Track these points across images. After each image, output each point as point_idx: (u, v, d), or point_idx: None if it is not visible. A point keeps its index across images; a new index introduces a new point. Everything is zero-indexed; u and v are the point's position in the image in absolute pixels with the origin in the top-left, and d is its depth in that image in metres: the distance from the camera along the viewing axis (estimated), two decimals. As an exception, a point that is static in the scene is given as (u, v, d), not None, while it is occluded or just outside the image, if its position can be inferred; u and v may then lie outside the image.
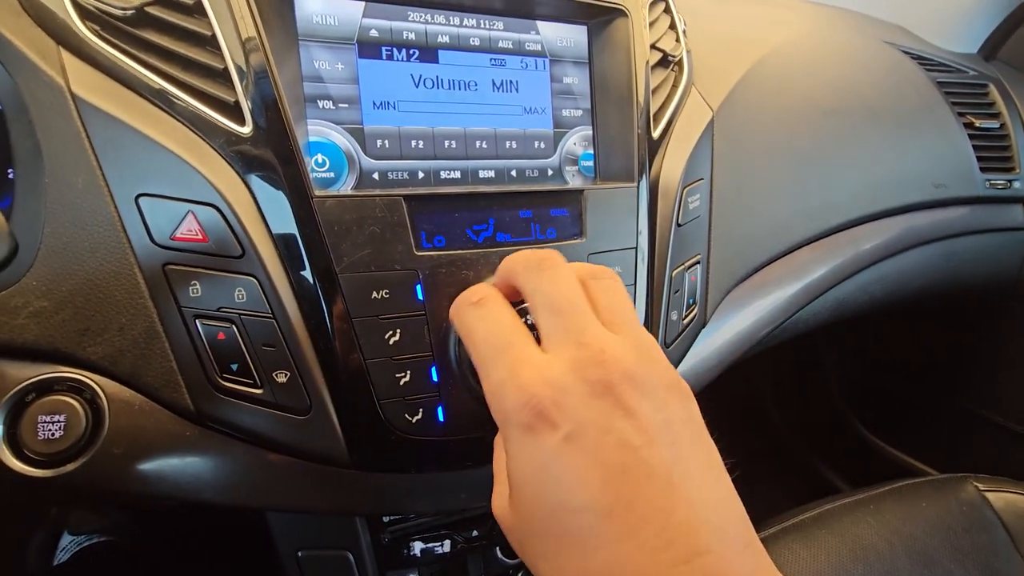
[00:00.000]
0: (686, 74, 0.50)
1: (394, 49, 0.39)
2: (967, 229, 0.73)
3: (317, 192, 0.34)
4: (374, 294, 0.34)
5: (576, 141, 0.45)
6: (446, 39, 0.40)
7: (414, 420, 0.35)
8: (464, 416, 0.36)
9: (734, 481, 0.26)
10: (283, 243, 0.33)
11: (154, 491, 0.33)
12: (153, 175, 0.32)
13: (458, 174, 0.41)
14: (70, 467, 0.31)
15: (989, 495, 0.57)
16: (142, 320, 0.32)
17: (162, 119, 0.33)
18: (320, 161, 0.37)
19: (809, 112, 0.62)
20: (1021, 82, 0.82)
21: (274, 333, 0.33)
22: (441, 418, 0.36)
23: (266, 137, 0.33)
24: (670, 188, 0.45)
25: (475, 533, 0.49)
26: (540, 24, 0.43)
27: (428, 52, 0.40)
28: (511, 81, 0.43)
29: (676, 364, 0.47)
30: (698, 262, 0.48)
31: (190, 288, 0.32)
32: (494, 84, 0.42)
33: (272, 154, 0.33)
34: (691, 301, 0.47)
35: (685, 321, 0.46)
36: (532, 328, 0.29)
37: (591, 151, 0.45)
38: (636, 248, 0.42)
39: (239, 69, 0.33)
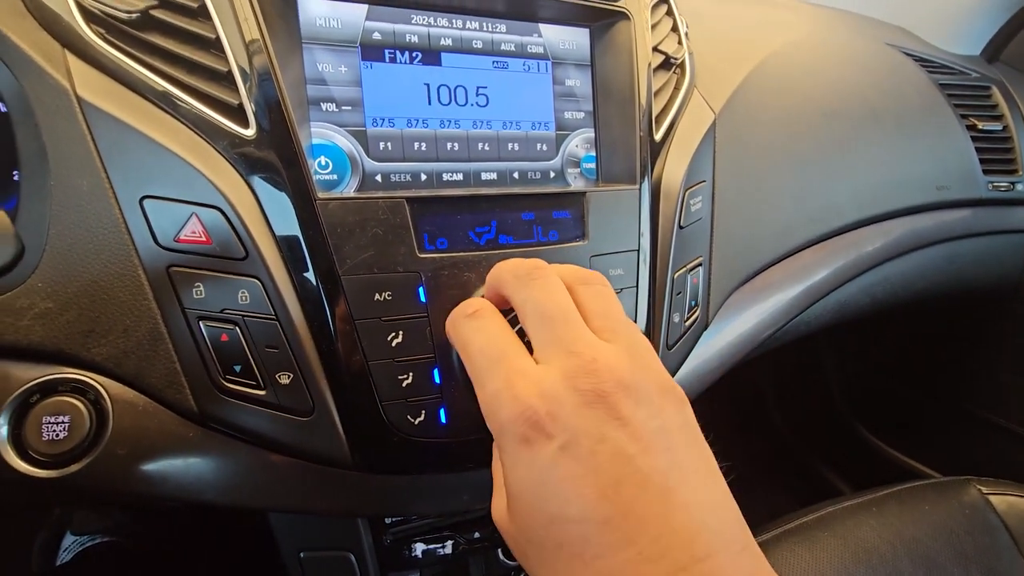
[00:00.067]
0: (688, 76, 0.50)
1: (397, 52, 0.39)
2: (969, 231, 0.73)
3: (320, 194, 0.34)
4: (377, 296, 0.34)
5: (578, 143, 0.45)
6: (449, 42, 0.41)
7: (416, 422, 0.36)
8: (466, 418, 0.36)
9: (730, 484, 0.26)
10: (286, 245, 0.33)
11: (157, 492, 0.33)
12: (157, 177, 0.32)
13: (460, 176, 0.41)
14: (74, 468, 0.31)
15: (992, 498, 0.57)
16: (146, 322, 0.32)
17: (166, 122, 0.33)
18: (323, 163, 0.37)
19: (811, 114, 0.62)
20: (1024, 84, 0.82)
21: (277, 335, 0.33)
22: (443, 420, 0.36)
23: (269, 140, 0.33)
24: (672, 190, 0.45)
25: (477, 535, 0.49)
26: (542, 27, 0.43)
27: (431, 55, 0.40)
28: (513, 83, 0.43)
29: (678, 366, 0.47)
30: (700, 264, 0.48)
31: (194, 290, 0.32)
32: (496, 86, 0.42)
33: (275, 156, 0.33)
34: (693, 303, 0.47)
35: (687, 323, 0.47)
36: (523, 336, 0.29)
37: (593, 153, 0.46)
38: (638, 250, 0.42)
39: (243, 72, 0.33)
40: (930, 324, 0.99)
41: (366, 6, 0.38)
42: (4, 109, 0.33)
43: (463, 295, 0.36)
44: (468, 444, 0.37)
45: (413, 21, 0.39)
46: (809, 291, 0.58)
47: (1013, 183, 0.75)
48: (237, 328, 0.33)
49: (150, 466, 0.33)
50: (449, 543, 0.48)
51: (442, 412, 0.36)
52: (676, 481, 0.24)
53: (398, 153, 0.39)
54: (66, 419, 0.31)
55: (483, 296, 0.33)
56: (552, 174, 0.44)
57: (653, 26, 0.47)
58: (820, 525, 0.53)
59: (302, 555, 0.45)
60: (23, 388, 0.31)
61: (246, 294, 0.33)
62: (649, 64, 0.45)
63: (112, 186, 0.32)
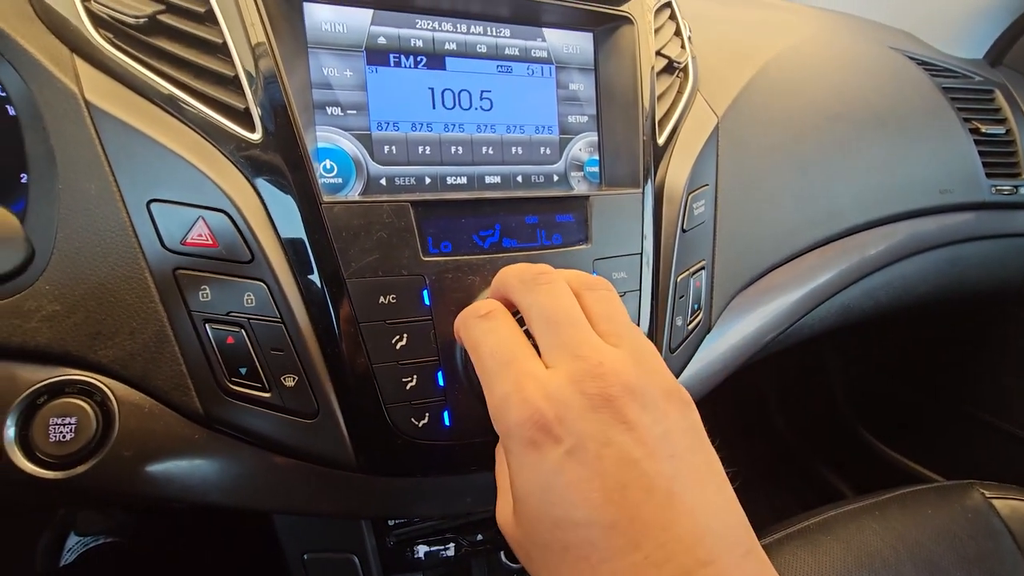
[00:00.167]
0: (691, 80, 0.50)
1: (402, 56, 0.39)
2: (973, 235, 0.73)
3: (325, 198, 0.34)
4: (381, 299, 0.35)
5: (582, 147, 0.45)
6: (453, 46, 0.41)
7: (420, 424, 0.36)
8: (470, 420, 0.36)
9: (736, 488, 0.26)
10: (292, 248, 0.33)
11: (163, 493, 0.34)
12: (164, 181, 0.32)
13: (464, 179, 0.41)
14: (80, 469, 0.31)
15: (995, 502, 0.56)
16: (152, 324, 0.32)
17: (173, 126, 0.33)
18: (328, 167, 0.37)
19: (814, 118, 0.62)
20: (1027, 87, 0.82)
21: (282, 337, 0.33)
22: (447, 422, 0.36)
23: (275, 143, 0.33)
24: (675, 194, 0.46)
25: (480, 537, 0.49)
26: (546, 31, 0.44)
27: (435, 59, 0.40)
28: (517, 87, 0.43)
29: (681, 369, 0.47)
30: (703, 267, 0.48)
31: (200, 292, 0.33)
32: (500, 90, 0.42)
33: (281, 160, 0.33)
34: (696, 306, 0.47)
35: (690, 326, 0.47)
36: (529, 338, 0.29)
37: (596, 157, 0.46)
38: (641, 254, 0.42)
39: (249, 76, 0.33)
40: (933, 327, 0.98)
41: (371, 11, 0.38)
42: (13, 112, 0.33)
43: (467, 298, 0.36)
44: (472, 447, 0.37)
45: (418, 26, 0.40)
46: (812, 294, 0.58)
47: (1016, 187, 0.75)
48: (243, 331, 0.33)
49: (156, 467, 0.33)
50: (452, 545, 0.49)
51: (446, 415, 0.36)
52: (681, 486, 0.24)
53: (402, 157, 0.39)
54: (73, 420, 0.31)
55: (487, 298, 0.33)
56: (556, 178, 0.44)
57: (656, 30, 0.47)
58: (823, 529, 0.53)
59: (305, 557, 0.46)
60: (30, 390, 0.31)
61: (252, 297, 0.33)
62: (652, 68, 0.45)
63: (120, 189, 0.32)
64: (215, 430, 0.34)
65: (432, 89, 0.40)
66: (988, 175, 0.73)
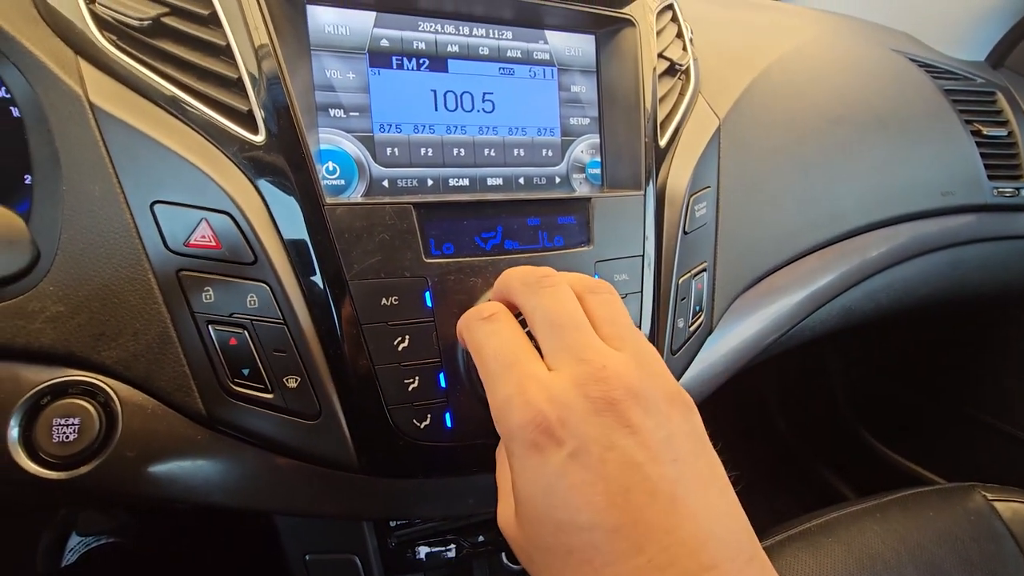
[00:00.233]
0: (693, 82, 0.50)
1: (404, 59, 0.39)
2: (974, 237, 0.73)
3: (328, 199, 0.34)
4: (383, 301, 0.35)
5: (583, 149, 0.45)
6: (455, 48, 0.41)
7: (422, 426, 0.36)
8: (472, 422, 0.37)
9: (738, 492, 0.26)
10: (294, 250, 0.34)
11: (165, 494, 0.34)
12: (168, 183, 0.33)
13: (466, 181, 0.41)
14: (84, 469, 0.32)
15: (997, 504, 0.56)
16: (156, 325, 0.33)
17: (177, 128, 0.33)
18: (331, 169, 0.37)
19: (816, 120, 0.62)
20: (1029, 90, 0.82)
21: (285, 339, 0.33)
22: (449, 424, 0.36)
23: (278, 145, 0.34)
24: (677, 196, 0.46)
25: (481, 538, 0.49)
26: (548, 34, 0.44)
27: (438, 61, 0.40)
28: (519, 90, 0.43)
29: (682, 371, 0.47)
30: (704, 269, 0.48)
31: (203, 294, 0.33)
32: (503, 93, 0.42)
33: (284, 162, 0.34)
34: (697, 308, 0.47)
35: (691, 328, 0.47)
36: (532, 341, 0.29)
37: (598, 159, 0.46)
38: (643, 255, 0.42)
39: (252, 78, 0.33)
40: (934, 329, 0.98)
41: (374, 13, 0.38)
42: (17, 114, 0.34)
43: (469, 300, 0.36)
44: (473, 448, 0.37)
45: (420, 28, 0.40)
46: (814, 296, 0.58)
47: (1018, 189, 0.75)
48: (245, 332, 0.33)
49: (159, 468, 0.33)
50: (453, 546, 0.49)
51: (447, 416, 0.36)
52: (684, 490, 0.24)
53: (405, 159, 0.40)
54: (76, 421, 0.31)
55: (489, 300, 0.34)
56: (557, 179, 0.45)
57: (658, 32, 0.47)
58: (824, 531, 0.53)
59: (307, 558, 0.46)
60: (34, 390, 0.31)
61: (255, 298, 0.33)
62: (654, 70, 0.45)
63: (123, 191, 0.32)
64: (218, 431, 0.34)
65: (434, 91, 0.40)
66: (990, 177, 0.73)
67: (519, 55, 0.43)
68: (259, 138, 0.33)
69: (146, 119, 0.33)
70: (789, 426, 1.22)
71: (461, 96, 0.41)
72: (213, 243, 0.33)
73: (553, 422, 0.25)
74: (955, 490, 0.58)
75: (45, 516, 0.71)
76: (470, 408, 0.36)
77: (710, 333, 0.49)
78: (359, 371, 0.34)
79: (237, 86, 0.34)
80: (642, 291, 0.42)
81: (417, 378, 0.35)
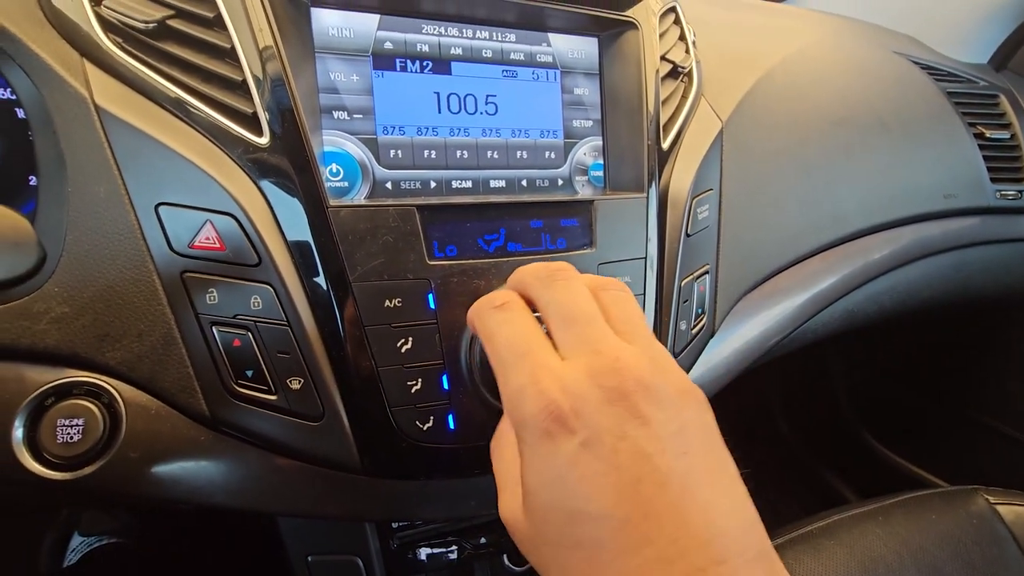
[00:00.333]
0: (695, 85, 0.51)
1: (408, 61, 0.40)
2: (977, 240, 0.73)
3: (332, 201, 0.34)
4: (387, 302, 0.35)
5: (586, 151, 0.45)
6: (459, 51, 0.41)
7: (425, 427, 0.36)
8: (474, 424, 0.37)
9: (749, 491, 0.26)
10: (298, 252, 0.34)
11: (169, 495, 0.34)
12: (173, 184, 0.33)
13: (469, 183, 0.41)
14: (87, 470, 0.32)
15: (1000, 508, 0.56)
16: (160, 327, 0.33)
17: (182, 130, 0.33)
18: (335, 171, 0.37)
19: (818, 122, 0.63)
20: (1032, 92, 0.82)
21: (289, 340, 0.33)
22: (451, 426, 0.36)
23: (282, 147, 0.34)
24: (679, 198, 0.46)
25: (483, 540, 0.49)
26: (551, 36, 0.44)
27: (441, 64, 0.40)
28: (522, 92, 0.43)
29: (685, 373, 0.47)
30: (707, 272, 0.48)
31: (207, 295, 0.33)
32: (506, 95, 0.42)
33: (288, 164, 0.34)
34: (700, 310, 0.47)
35: (694, 331, 0.47)
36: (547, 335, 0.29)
37: (601, 161, 0.46)
38: (645, 258, 0.43)
39: (257, 81, 0.33)
40: (937, 332, 0.98)
41: (378, 16, 0.39)
42: (23, 115, 0.34)
43: (472, 302, 0.36)
44: (476, 450, 0.37)
45: (424, 31, 0.40)
46: (816, 299, 0.58)
47: (1021, 191, 0.75)
48: (249, 333, 0.33)
49: (162, 469, 0.33)
50: (455, 548, 0.49)
51: (450, 418, 0.36)
52: (694, 484, 0.24)
53: (408, 161, 0.40)
54: (80, 422, 0.32)
55: None
56: (560, 182, 0.45)
57: (661, 35, 0.47)
58: (826, 533, 0.53)
59: (309, 559, 0.46)
60: (38, 391, 0.31)
61: (258, 300, 0.33)
62: (657, 73, 0.45)
63: (128, 193, 0.33)
64: (221, 432, 0.34)
65: (438, 93, 0.40)
66: (993, 180, 0.73)
67: (522, 57, 0.43)
68: (263, 140, 0.34)
69: (151, 121, 0.33)
70: (791, 428, 1.22)
71: (464, 98, 0.41)
72: (217, 245, 0.33)
73: (566, 411, 0.25)
74: (957, 493, 0.58)
75: (48, 516, 0.71)
76: (472, 410, 0.36)
77: (712, 335, 0.49)
78: (362, 373, 0.34)
79: (241, 88, 0.34)
80: (644, 293, 0.42)
81: (420, 380, 0.35)
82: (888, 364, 1.08)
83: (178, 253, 0.33)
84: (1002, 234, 0.74)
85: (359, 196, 0.38)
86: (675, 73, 0.49)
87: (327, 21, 0.37)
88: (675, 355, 0.45)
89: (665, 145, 0.45)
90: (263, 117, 0.33)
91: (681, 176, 0.46)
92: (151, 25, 0.33)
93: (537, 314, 0.31)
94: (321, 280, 0.34)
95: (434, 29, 0.40)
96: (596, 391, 0.25)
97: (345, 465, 0.35)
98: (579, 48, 0.45)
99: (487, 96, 0.42)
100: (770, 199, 0.56)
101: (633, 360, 0.26)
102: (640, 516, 0.23)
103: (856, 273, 0.61)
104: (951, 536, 0.53)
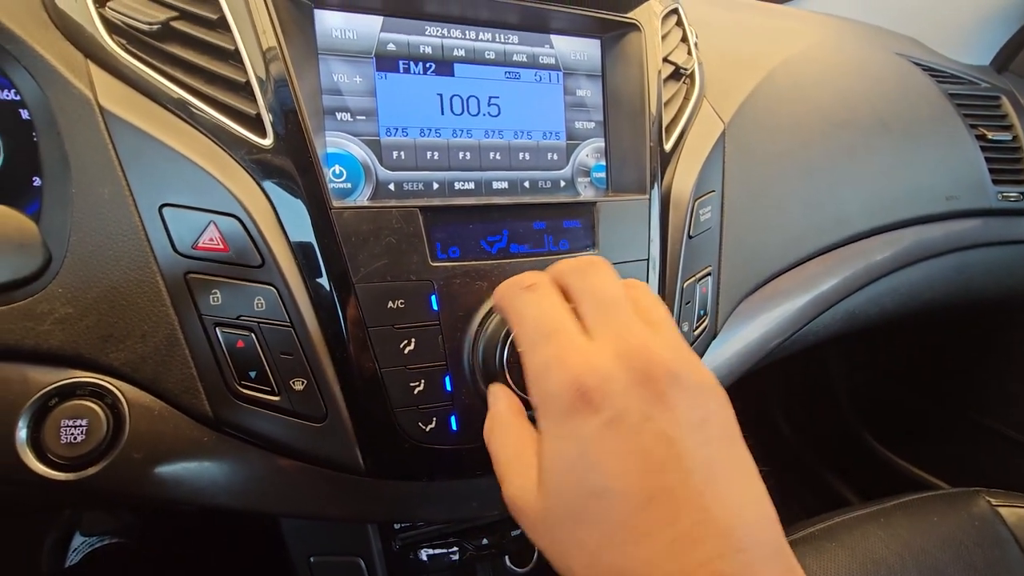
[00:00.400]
0: (698, 86, 0.51)
1: (411, 63, 0.40)
2: (979, 241, 0.73)
3: (335, 203, 0.34)
4: (390, 304, 0.35)
5: (588, 153, 0.45)
6: (462, 53, 0.41)
7: (428, 428, 0.36)
8: (477, 425, 0.36)
9: (768, 488, 0.26)
10: (301, 253, 0.34)
11: (172, 495, 0.34)
12: (176, 186, 0.33)
13: (472, 185, 0.41)
14: (91, 471, 0.32)
15: (1002, 510, 0.56)
16: (164, 327, 0.33)
17: (186, 131, 0.33)
18: (337, 172, 0.38)
19: (820, 124, 0.63)
20: (1034, 94, 0.82)
21: (292, 341, 0.34)
22: (454, 427, 0.36)
23: (286, 149, 0.34)
24: (682, 200, 0.46)
25: (484, 541, 0.49)
26: (554, 38, 0.44)
27: (444, 65, 0.41)
28: (525, 94, 0.43)
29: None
30: (709, 273, 0.48)
31: (211, 296, 0.33)
32: (508, 97, 0.42)
33: (292, 165, 0.34)
34: (702, 312, 0.47)
35: (696, 332, 0.47)
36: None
37: (603, 163, 0.46)
38: (648, 259, 0.43)
39: (261, 82, 0.34)
40: (939, 334, 0.98)
41: (381, 18, 0.39)
42: (27, 116, 0.34)
43: (475, 304, 0.36)
44: (478, 451, 0.37)
45: (427, 32, 0.40)
46: (817, 300, 0.58)
47: (1023, 193, 0.75)
48: (253, 335, 0.33)
49: (165, 470, 0.33)
50: (457, 549, 0.49)
51: (453, 419, 0.36)
52: (717, 473, 0.24)
53: (411, 162, 0.40)
54: (84, 423, 0.32)
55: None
56: (562, 183, 0.45)
57: (663, 36, 0.47)
58: (827, 535, 0.53)
59: (312, 559, 0.46)
60: (42, 392, 0.31)
61: (262, 301, 0.33)
62: (659, 74, 0.45)
63: (132, 194, 0.33)
64: (224, 433, 0.34)
65: (441, 95, 0.41)
66: (994, 182, 0.73)
67: (525, 59, 0.43)
68: (267, 142, 0.34)
69: (155, 122, 0.33)
70: (793, 430, 1.22)
71: (467, 100, 0.41)
72: (221, 246, 0.33)
73: (592, 389, 0.25)
74: (959, 495, 0.58)
75: (49, 516, 0.71)
76: (475, 411, 0.36)
77: (714, 337, 0.49)
78: (365, 374, 0.35)
79: (245, 90, 0.34)
80: (647, 295, 0.42)
81: (423, 381, 0.36)
82: (889, 366, 1.08)
83: (182, 254, 0.33)
84: (1004, 236, 0.74)
85: (362, 197, 0.38)
86: (677, 75, 0.49)
87: (330, 23, 0.37)
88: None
89: (667, 147, 0.46)
90: (266, 118, 0.34)
91: (683, 178, 0.46)
92: (155, 27, 0.33)
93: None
94: (324, 281, 0.34)
95: (437, 31, 0.40)
96: (624, 372, 0.25)
97: (348, 466, 0.35)
98: (581, 50, 0.45)
99: (490, 98, 0.42)
100: (772, 201, 0.56)
101: (660, 348, 0.27)
102: (664, 496, 0.23)
103: (858, 275, 0.61)
104: (953, 538, 0.53)
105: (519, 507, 0.27)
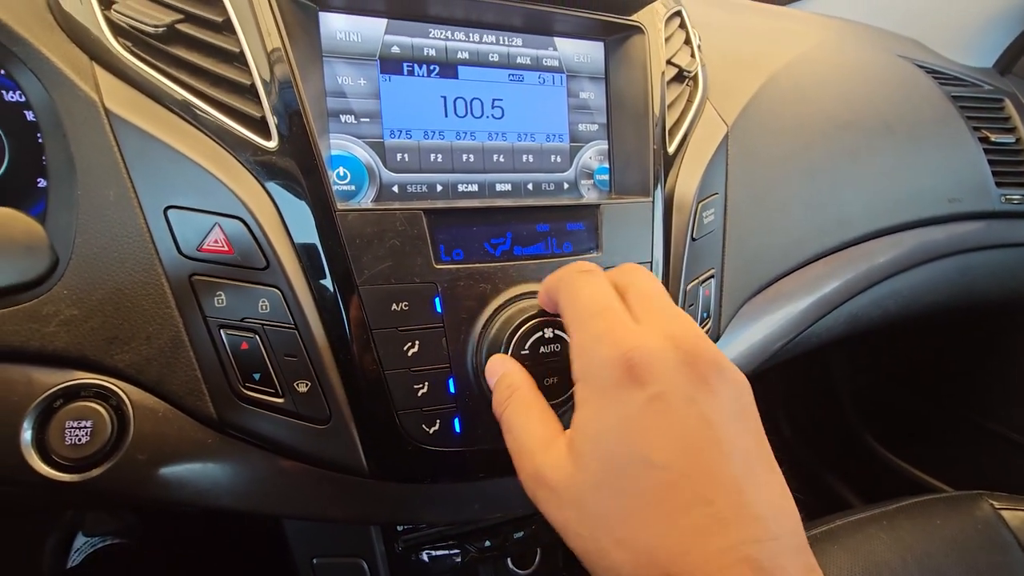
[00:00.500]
0: (701, 89, 0.51)
1: (415, 65, 0.40)
2: (982, 244, 0.72)
3: (339, 205, 0.34)
4: (393, 306, 0.35)
5: (592, 155, 0.46)
6: (466, 55, 0.41)
7: (431, 431, 0.36)
8: (480, 427, 0.37)
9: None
10: (306, 255, 0.34)
11: (175, 497, 0.34)
12: (181, 188, 0.33)
13: (475, 187, 0.42)
14: (95, 472, 0.32)
15: (1004, 513, 0.56)
16: (168, 329, 0.33)
17: (191, 133, 0.33)
18: (342, 174, 0.38)
19: (823, 126, 0.63)
20: (1037, 97, 0.82)
21: (296, 343, 0.34)
22: (457, 429, 0.36)
23: (290, 151, 0.34)
24: (685, 202, 0.46)
25: (487, 543, 0.49)
26: (558, 40, 0.44)
27: (448, 68, 0.41)
28: (529, 96, 0.43)
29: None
30: (712, 276, 0.48)
31: (215, 298, 0.33)
32: (512, 99, 0.43)
33: (296, 167, 0.34)
34: (705, 315, 0.47)
35: (699, 335, 0.47)
36: None
37: (607, 165, 0.46)
38: (651, 262, 0.43)
39: (265, 84, 0.34)
40: (941, 336, 0.98)
41: (385, 20, 0.39)
42: (32, 118, 0.34)
43: (479, 306, 0.36)
44: (481, 453, 0.37)
45: (431, 35, 0.40)
46: (820, 303, 0.58)
47: (1026, 196, 0.74)
48: (257, 336, 0.33)
49: (169, 471, 0.33)
50: (459, 551, 0.49)
51: (456, 422, 0.36)
52: (750, 462, 0.25)
53: (415, 164, 0.40)
54: (88, 424, 0.32)
55: (539, 298, 0.35)
56: (566, 185, 0.45)
57: (666, 39, 0.47)
58: (830, 538, 0.53)
59: (314, 561, 0.46)
60: (47, 393, 0.31)
61: (266, 303, 0.33)
62: (663, 76, 0.45)
63: (137, 196, 0.33)
64: (228, 435, 0.34)
65: (444, 97, 0.41)
66: (998, 184, 0.73)
67: (528, 62, 0.43)
68: (271, 144, 0.34)
69: (160, 125, 0.33)
70: (795, 432, 1.22)
71: (471, 102, 0.41)
72: (225, 248, 0.33)
73: (640, 364, 0.26)
74: (962, 498, 0.58)
75: (52, 517, 0.71)
76: (478, 413, 0.36)
77: (717, 339, 0.49)
78: (369, 376, 0.35)
79: (250, 92, 0.34)
80: (650, 297, 0.42)
81: (426, 383, 0.36)
82: (892, 368, 1.08)
83: (187, 256, 0.33)
84: (1007, 238, 0.74)
85: (366, 199, 0.38)
86: (681, 77, 0.49)
87: (335, 25, 0.38)
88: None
89: (671, 149, 0.45)
90: (271, 121, 0.34)
91: (687, 180, 0.46)
92: (160, 29, 0.33)
93: None
94: (328, 283, 0.34)
95: (441, 33, 0.40)
96: (671, 352, 0.26)
97: (351, 468, 0.35)
98: (585, 52, 0.45)
99: (493, 100, 0.42)
100: (775, 203, 0.56)
101: (703, 339, 0.27)
102: (701, 476, 0.24)
103: (860, 277, 0.61)
104: (956, 542, 0.53)
105: (545, 479, 0.27)
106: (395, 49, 0.39)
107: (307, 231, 0.34)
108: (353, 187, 0.38)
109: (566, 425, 0.29)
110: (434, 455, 0.36)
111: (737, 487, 0.24)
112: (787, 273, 0.56)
